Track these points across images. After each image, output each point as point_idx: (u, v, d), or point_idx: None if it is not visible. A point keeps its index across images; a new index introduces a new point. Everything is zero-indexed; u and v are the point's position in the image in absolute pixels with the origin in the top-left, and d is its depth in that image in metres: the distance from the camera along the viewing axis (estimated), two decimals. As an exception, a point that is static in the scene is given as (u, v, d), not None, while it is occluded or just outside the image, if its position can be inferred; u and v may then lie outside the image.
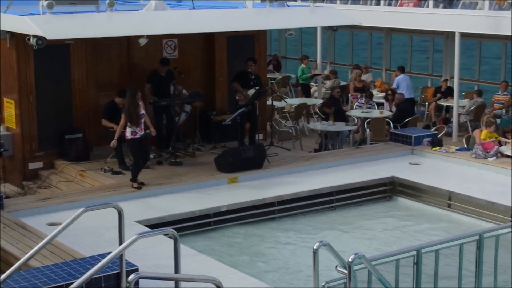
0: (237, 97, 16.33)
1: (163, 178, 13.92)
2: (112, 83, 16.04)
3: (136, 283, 7.08)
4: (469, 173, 14.89)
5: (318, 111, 19.50)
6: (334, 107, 18.42)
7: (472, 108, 19.61)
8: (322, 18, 16.85)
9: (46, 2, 12.92)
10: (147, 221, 12.09)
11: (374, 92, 21.38)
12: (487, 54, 23.37)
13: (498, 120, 18.81)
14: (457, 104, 18.86)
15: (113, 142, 13.67)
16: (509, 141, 15.74)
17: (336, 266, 7.57)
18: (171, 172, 14.46)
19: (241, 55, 16.81)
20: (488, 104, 20.42)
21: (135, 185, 13.47)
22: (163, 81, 15.72)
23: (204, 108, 16.99)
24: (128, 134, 13.40)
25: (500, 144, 15.49)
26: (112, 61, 16.20)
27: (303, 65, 22.95)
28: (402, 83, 20.49)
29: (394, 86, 20.72)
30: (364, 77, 22.98)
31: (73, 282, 8.08)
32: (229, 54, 17.32)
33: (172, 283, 8.61)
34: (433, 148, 16.16)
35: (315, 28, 22.42)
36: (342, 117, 18.26)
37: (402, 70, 21.07)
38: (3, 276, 8.24)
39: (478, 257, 9.08)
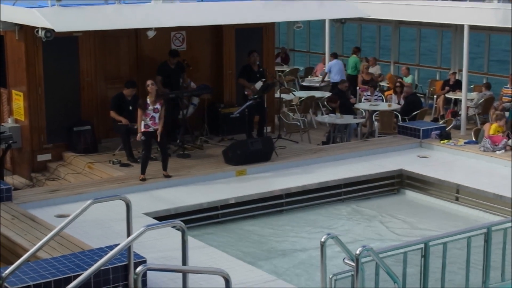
0: (246, 92, 16.30)
1: (171, 170, 13.92)
2: (120, 75, 16.05)
3: (144, 274, 7.11)
4: (477, 166, 14.87)
5: (326, 104, 19.50)
6: (340, 100, 18.40)
7: (480, 101, 19.57)
8: (331, 10, 16.81)
9: (55, -6, 12.95)
10: (155, 213, 12.12)
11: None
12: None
13: (507, 113, 18.74)
14: (466, 97, 18.81)
15: (139, 135, 13.53)
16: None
17: (343, 259, 7.58)
18: (179, 165, 14.48)
19: (249, 48, 16.76)
20: (497, 97, 20.36)
21: (141, 176, 13.50)
22: (173, 73, 15.74)
23: (212, 101, 16.99)
24: (142, 126, 13.47)
25: (508, 137, 15.44)
26: (121, 53, 16.21)
27: (354, 56, 23.04)
28: (334, 67, 22.01)
29: (326, 70, 22.34)
30: (372, 69, 22.95)
31: (81, 274, 8.11)
32: (238, 46, 17.30)
33: (179, 275, 8.62)
34: (441, 141, 16.13)
35: (324, 20, 22.37)
36: (348, 110, 18.22)
37: (335, 56, 22.65)
38: (12, 267, 8.28)
39: (486, 250, 9.07)
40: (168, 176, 13.66)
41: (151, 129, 13.45)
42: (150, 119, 13.43)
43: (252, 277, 9.65)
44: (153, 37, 14.04)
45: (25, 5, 13.61)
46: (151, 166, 13.99)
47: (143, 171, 13.54)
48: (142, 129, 13.43)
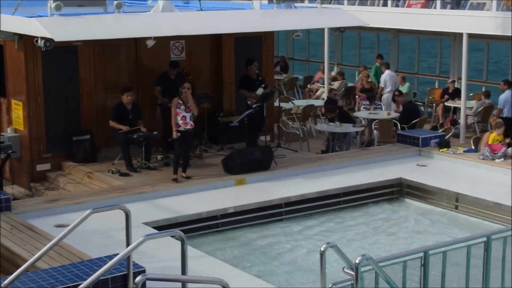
0: (248, 102, 16.27)
1: (170, 180, 13.92)
2: (119, 84, 16.03)
3: (143, 284, 7.11)
4: (477, 174, 14.86)
5: (324, 114, 19.52)
6: (338, 109, 18.42)
7: (479, 109, 19.59)
8: (329, 19, 16.83)
9: (54, 3, 12.95)
10: (155, 222, 12.09)
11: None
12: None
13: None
14: (465, 105, 18.84)
15: (174, 133, 14.07)
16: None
17: (343, 268, 7.57)
18: (178, 174, 14.44)
19: (248, 57, 16.80)
20: (496, 105, 20.36)
21: (173, 176, 13.93)
22: (172, 83, 15.74)
23: (212, 110, 17.00)
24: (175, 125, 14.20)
25: (508, 145, 15.46)
26: (120, 62, 16.23)
27: (377, 64, 23.16)
28: None
29: None
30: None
31: (80, 284, 8.11)
32: (237, 55, 17.33)
33: (179, 285, 8.62)
34: (441, 150, 16.13)
35: (323, 29, 22.42)
36: (346, 119, 18.22)
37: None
38: (11, 277, 8.27)
39: (486, 259, 9.06)
40: (186, 178, 14.02)
41: (181, 128, 13.91)
42: (181, 118, 13.95)
43: (251, 286, 9.63)
44: (152, 46, 14.05)
45: (25, 15, 13.62)
46: (151, 175, 14.04)
47: (175, 171, 13.96)
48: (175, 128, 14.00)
